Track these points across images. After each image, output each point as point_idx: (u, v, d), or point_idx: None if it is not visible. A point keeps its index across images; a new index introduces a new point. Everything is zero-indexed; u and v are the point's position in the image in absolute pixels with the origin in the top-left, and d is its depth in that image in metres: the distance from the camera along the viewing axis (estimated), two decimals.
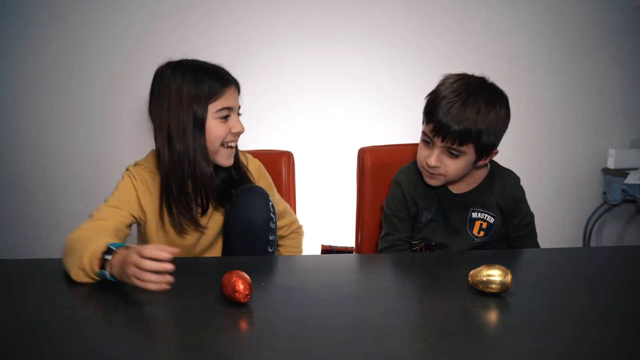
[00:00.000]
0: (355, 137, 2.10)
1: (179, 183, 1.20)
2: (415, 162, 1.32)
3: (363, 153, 1.50)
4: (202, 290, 0.94)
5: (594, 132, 2.32)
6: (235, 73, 1.28)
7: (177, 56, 1.29)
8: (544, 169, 2.32)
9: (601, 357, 0.71)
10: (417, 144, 1.29)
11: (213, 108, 1.20)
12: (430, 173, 1.24)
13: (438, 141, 1.18)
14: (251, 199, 1.23)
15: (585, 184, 2.35)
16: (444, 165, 1.20)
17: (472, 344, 0.74)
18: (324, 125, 2.23)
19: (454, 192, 1.30)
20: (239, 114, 1.27)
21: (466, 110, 1.14)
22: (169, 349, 0.73)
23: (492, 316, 0.84)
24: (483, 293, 0.89)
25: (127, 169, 1.29)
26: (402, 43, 2.19)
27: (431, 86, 1.26)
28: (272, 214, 1.24)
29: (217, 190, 1.27)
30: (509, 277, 0.87)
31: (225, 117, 1.22)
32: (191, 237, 1.29)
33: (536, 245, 1.34)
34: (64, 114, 2.20)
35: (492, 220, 1.28)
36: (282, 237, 1.44)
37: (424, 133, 1.23)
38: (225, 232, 1.28)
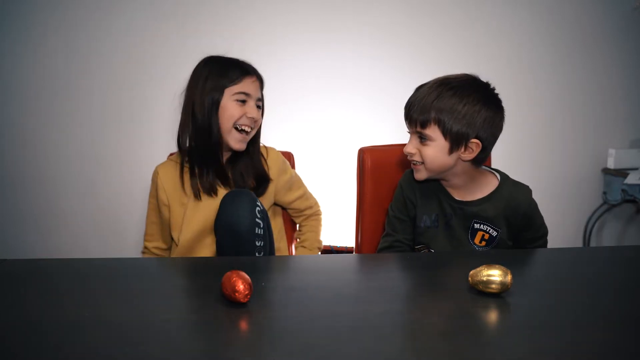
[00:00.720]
0: (355, 137, 2.10)
1: (200, 150, 1.37)
2: None
3: (363, 153, 1.50)
4: (202, 290, 0.94)
5: (594, 132, 2.32)
6: None
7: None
8: (544, 169, 2.32)
9: (601, 357, 0.71)
10: None
11: (231, 91, 1.36)
12: (412, 165, 1.26)
13: (409, 127, 1.24)
14: (236, 202, 1.21)
15: (585, 184, 2.35)
16: (420, 153, 1.22)
17: (472, 344, 0.74)
18: (324, 125, 2.23)
19: (457, 198, 1.28)
20: (259, 107, 1.42)
21: (428, 94, 1.19)
22: (169, 349, 0.73)
23: (492, 316, 0.84)
24: (483, 293, 0.89)
25: (155, 169, 1.46)
26: (402, 43, 2.19)
27: None
28: (258, 220, 1.21)
29: (235, 176, 1.41)
30: (509, 277, 0.87)
31: (243, 102, 1.37)
32: (209, 205, 1.38)
33: None
34: (64, 114, 2.20)
35: (494, 233, 1.26)
36: (301, 225, 1.60)
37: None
38: (215, 234, 1.27)
